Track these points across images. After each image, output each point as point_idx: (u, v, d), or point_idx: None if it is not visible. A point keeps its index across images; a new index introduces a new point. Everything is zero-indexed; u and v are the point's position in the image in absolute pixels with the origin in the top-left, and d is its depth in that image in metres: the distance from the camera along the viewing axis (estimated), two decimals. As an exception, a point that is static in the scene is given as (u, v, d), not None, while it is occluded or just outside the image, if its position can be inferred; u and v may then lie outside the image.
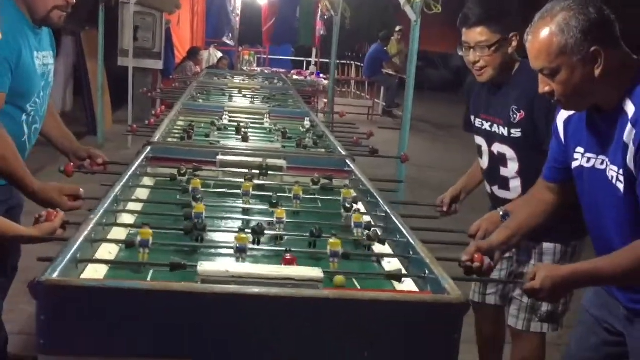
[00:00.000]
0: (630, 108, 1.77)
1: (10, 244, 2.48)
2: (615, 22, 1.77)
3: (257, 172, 2.85)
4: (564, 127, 2.04)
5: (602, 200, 1.89)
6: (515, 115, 2.50)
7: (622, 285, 1.95)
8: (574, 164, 1.99)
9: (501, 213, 2.42)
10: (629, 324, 1.98)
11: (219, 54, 11.73)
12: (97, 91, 8.13)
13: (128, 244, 1.90)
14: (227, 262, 1.89)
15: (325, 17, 10.72)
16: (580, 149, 1.97)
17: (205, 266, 1.63)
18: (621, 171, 1.78)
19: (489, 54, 2.45)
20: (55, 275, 1.49)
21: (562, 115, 2.05)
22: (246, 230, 2.02)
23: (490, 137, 2.61)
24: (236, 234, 1.94)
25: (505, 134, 2.54)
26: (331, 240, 1.97)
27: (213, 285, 1.52)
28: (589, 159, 1.93)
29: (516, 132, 2.50)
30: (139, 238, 1.86)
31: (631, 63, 1.82)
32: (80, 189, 2.34)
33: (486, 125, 2.62)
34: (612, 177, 1.82)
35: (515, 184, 2.58)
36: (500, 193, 2.64)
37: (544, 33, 1.79)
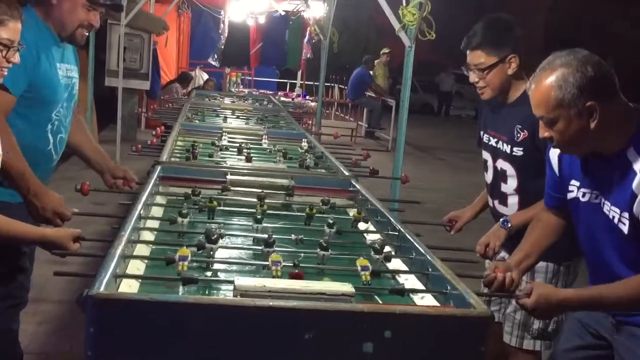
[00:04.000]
0: (634, 157, 1.87)
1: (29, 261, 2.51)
2: (613, 75, 1.90)
3: (283, 192, 2.96)
4: (558, 160, 2.15)
5: (600, 230, 2.00)
6: (518, 134, 2.60)
7: (622, 311, 2.06)
8: (570, 195, 2.10)
9: (501, 220, 2.59)
10: (616, 331, 2.08)
11: (205, 76, 11.78)
12: (86, 111, 8.13)
13: (168, 261, 1.95)
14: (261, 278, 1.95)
15: (313, 41, 10.87)
16: (575, 182, 2.08)
17: (242, 281, 1.69)
18: (625, 214, 1.89)
19: (485, 75, 2.59)
20: (102, 289, 1.53)
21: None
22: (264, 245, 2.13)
23: (495, 153, 2.72)
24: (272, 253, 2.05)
25: (508, 151, 2.64)
26: (360, 259, 2.07)
27: (255, 299, 1.57)
28: (584, 194, 2.04)
29: (518, 151, 2.61)
30: (177, 255, 1.92)
31: (630, 112, 1.92)
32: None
33: (492, 141, 2.73)
34: (614, 217, 1.93)
35: (513, 200, 2.68)
36: (500, 208, 2.75)
37: (543, 85, 1.91)
